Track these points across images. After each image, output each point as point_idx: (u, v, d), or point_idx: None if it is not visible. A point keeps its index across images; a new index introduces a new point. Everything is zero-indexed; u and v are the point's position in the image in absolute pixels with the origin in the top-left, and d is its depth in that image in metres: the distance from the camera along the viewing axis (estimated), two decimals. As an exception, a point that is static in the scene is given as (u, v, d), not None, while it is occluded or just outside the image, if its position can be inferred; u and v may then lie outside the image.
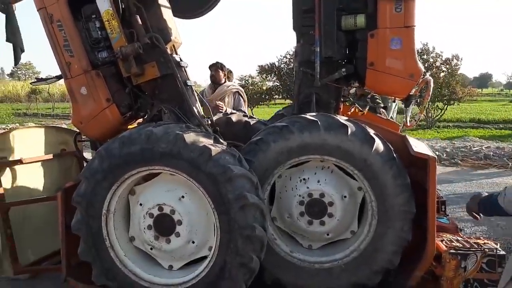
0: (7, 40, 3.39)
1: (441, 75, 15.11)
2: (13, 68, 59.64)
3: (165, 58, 3.03)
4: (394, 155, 2.59)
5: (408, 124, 3.37)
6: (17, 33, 3.41)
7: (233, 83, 5.34)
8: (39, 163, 3.61)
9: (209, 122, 3.31)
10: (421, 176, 2.62)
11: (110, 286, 2.66)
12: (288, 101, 19.27)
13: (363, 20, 2.96)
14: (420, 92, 3.31)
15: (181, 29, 3.45)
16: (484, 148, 9.42)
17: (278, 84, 19.20)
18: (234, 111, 4.71)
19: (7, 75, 58.94)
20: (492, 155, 8.66)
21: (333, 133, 2.56)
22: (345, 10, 3.02)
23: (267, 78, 20.21)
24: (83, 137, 3.51)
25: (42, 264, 3.45)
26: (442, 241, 2.77)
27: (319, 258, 2.74)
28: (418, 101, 3.48)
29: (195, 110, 3.16)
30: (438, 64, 15.43)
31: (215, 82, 5.05)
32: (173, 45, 3.29)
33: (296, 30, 3.25)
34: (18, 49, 3.44)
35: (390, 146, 2.62)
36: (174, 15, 3.46)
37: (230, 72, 5.69)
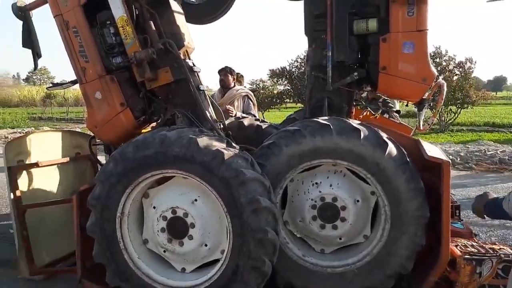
0: (24, 45, 3.46)
1: (454, 79, 14.95)
2: (29, 73, 60.74)
3: (178, 63, 3.07)
4: (408, 159, 2.58)
5: (421, 128, 3.35)
6: (34, 39, 3.49)
7: (242, 87, 5.35)
8: (55, 166, 3.68)
9: (222, 126, 3.34)
10: (435, 181, 2.60)
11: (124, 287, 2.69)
12: (299, 105, 19.25)
13: (375, 25, 2.96)
14: (433, 96, 3.30)
15: (194, 35, 3.49)
16: (499, 152, 9.27)
17: (289, 88, 19.21)
18: (245, 115, 4.75)
19: (23, 80, 60.07)
20: (508, 159, 8.53)
21: (346, 137, 2.56)
22: (357, 14, 3.02)
23: (278, 82, 20.23)
24: (97, 140, 3.57)
25: (57, 265, 3.51)
26: (456, 246, 2.74)
27: (332, 263, 2.73)
28: (431, 104, 3.46)
29: (208, 115, 3.19)
30: (451, 67, 15.27)
31: (225, 87, 5.08)
32: (186, 50, 3.33)
33: (307, 35, 3.26)
34: (35, 55, 3.52)
35: (403, 150, 2.61)
36: (187, 21, 3.50)
37: (241, 76, 5.72)
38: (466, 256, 2.59)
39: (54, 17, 3.12)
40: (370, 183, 2.64)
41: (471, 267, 2.56)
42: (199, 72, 3.37)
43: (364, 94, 4.92)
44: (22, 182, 3.40)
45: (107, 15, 3.06)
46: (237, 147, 2.72)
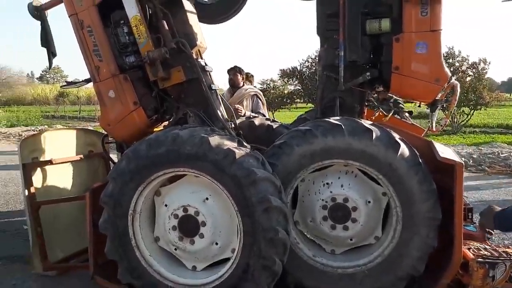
0: (42, 45, 3.52)
1: (467, 80, 14.77)
2: (42, 72, 61.58)
3: (191, 63, 3.09)
4: (420, 160, 2.56)
5: (434, 129, 3.32)
6: (50, 39, 3.54)
7: (251, 86, 5.37)
8: (68, 163, 3.73)
9: (233, 125, 3.35)
10: (447, 182, 2.57)
11: (135, 284, 2.71)
12: (309, 105, 19.21)
13: (388, 24, 2.94)
14: (446, 97, 3.26)
15: (206, 34, 3.51)
16: (513, 155, 9.13)
17: (300, 88, 19.18)
18: (254, 114, 4.76)
19: (37, 78, 60.90)
20: (521, 161, 8.39)
21: (358, 138, 2.55)
22: (369, 14, 3.01)
23: (289, 82, 20.21)
24: (110, 139, 3.61)
25: (69, 261, 3.56)
26: (469, 249, 2.70)
27: (342, 263, 2.72)
28: (444, 105, 3.42)
29: (219, 114, 3.20)
30: (464, 68, 15.08)
31: (234, 86, 5.10)
32: (199, 50, 3.35)
33: (320, 34, 3.26)
34: (50, 54, 3.57)
35: (415, 151, 2.59)
36: (199, 21, 3.52)
37: (251, 76, 5.73)
38: (479, 259, 2.56)
39: (69, 17, 3.16)
40: (382, 184, 2.62)
41: (484, 270, 2.53)
42: (211, 71, 3.39)
43: (375, 95, 4.90)
44: (36, 179, 3.45)
45: (121, 15, 3.09)
46: (248, 146, 2.72)
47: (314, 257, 2.75)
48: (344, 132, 2.55)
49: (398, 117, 4.53)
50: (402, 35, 2.89)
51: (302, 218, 2.84)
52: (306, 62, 18.31)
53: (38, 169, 3.48)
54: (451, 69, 14.16)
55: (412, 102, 4.53)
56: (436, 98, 3.04)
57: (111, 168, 3.06)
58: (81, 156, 3.82)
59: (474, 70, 15.05)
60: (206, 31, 3.74)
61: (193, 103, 3.16)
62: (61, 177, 3.67)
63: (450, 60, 14.74)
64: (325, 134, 2.58)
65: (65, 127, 12.45)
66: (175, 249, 2.73)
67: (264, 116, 5.00)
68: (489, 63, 15.06)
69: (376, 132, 2.55)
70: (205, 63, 3.31)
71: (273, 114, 18.06)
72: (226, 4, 3.92)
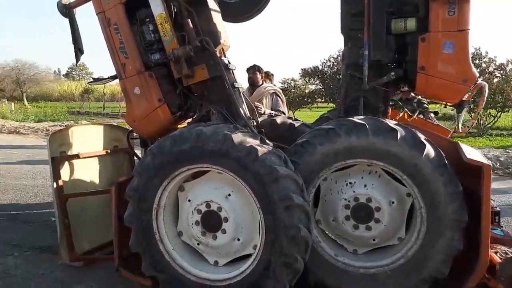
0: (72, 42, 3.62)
1: (494, 81, 14.35)
2: (68, 69, 63.08)
3: (215, 61, 3.12)
4: (446, 161, 2.51)
5: (460, 130, 3.26)
6: (78, 36, 3.63)
7: (270, 84, 5.39)
8: (94, 158, 3.83)
9: (255, 123, 3.37)
10: (474, 185, 2.52)
11: (158, 278, 2.76)
12: (330, 104, 19.06)
13: (414, 24, 2.91)
14: (473, 97, 3.20)
15: (229, 33, 3.54)
16: (542, 158, 8.83)
17: (321, 87, 19.03)
18: (274, 112, 4.78)
19: (63, 75, 62.40)
20: (551, 166, 8.12)
21: (382, 137, 2.52)
22: (395, 13, 2.97)
23: (310, 81, 20.08)
24: (135, 134, 3.68)
25: (94, 253, 3.65)
26: (496, 253, 2.66)
27: (364, 263, 2.70)
28: (472, 107, 3.36)
29: (242, 112, 3.23)
30: (491, 69, 14.66)
31: (253, 84, 5.12)
32: (222, 48, 3.37)
33: (343, 33, 3.24)
34: (77, 51, 3.66)
35: (441, 152, 2.55)
36: (223, 19, 3.55)
37: (271, 74, 5.75)
38: (506, 263, 2.50)
39: (96, 14, 3.23)
40: (406, 185, 2.59)
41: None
42: (234, 69, 3.41)
43: (399, 95, 4.83)
44: (64, 172, 3.56)
45: (147, 13, 3.15)
46: (271, 144, 2.74)
47: (336, 256, 2.74)
48: (368, 132, 2.53)
49: (423, 117, 4.46)
50: (428, 34, 2.85)
51: (324, 217, 2.84)
52: (328, 62, 18.17)
53: (66, 163, 3.60)
54: (478, 70, 13.78)
55: (437, 103, 4.46)
56: (463, 99, 2.99)
57: (136, 163, 3.12)
58: (107, 151, 3.91)
59: (501, 71, 14.60)
60: (229, 29, 3.77)
61: (216, 101, 3.20)
62: (87, 171, 3.78)
63: (477, 61, 14.34)
64: (349, 133, 2.57)
65: (92, 122, 12.72)
66: (198, 244, 2.77)
67: (284, 113, 5.01)
68: (518, 64, 14.58)
69: (401, 132, 2.52)
70: (228, 61, 3.34)
71: (293, 113, 17.99)
72: (249, 3, 3.94)
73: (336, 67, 17.65)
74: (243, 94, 3.49)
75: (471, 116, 3.41)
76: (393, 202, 2.65)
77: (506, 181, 7.33)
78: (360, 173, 2.72)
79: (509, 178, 7.57)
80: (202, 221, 2.67)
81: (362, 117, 2.72)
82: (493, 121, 15.13)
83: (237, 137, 2.55)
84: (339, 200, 2.72)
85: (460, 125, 3.29)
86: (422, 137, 2.55)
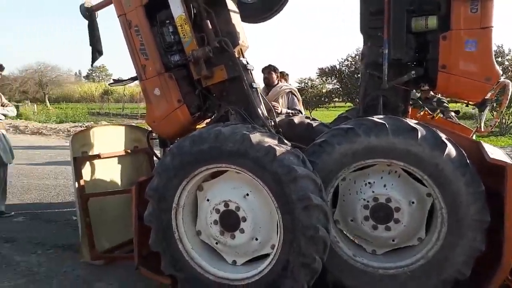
0: (90, 44, 3.69)
1: (518, 79, 14.00)
2: (89, 70, 64.26)
3: (233, 62, 3.14)
4: (468, 161, 2.47)
5: (483, 129, 3.20)
6: (97, 38, 3.70)
7: (285, 84, 5.39)
8: (115, 158, 3.89)
9: (272, 123, 3.37)
10: (497, 185, 2.47)
11: (177, 276, 2.79)
12: (348, 104, 18.91)
13: (435, 22, 2.87)
14: (495, 96, 3.13)
15: (248, 33, 3.55)
16: None
17: (339, 86, 18.92)
18: (291, 111, 4.77)
19: (84, 77, 63.60)
20: None
21: (402, 137, 2.49)
22: (415, 11, 2.94)
23: (327, 81, 19.97)
24: (154, 135, 3.73)
25: (114, 252, 3.72)
26: (519, 254, 2.58)
27: (384, 264, 2.68)
28: (494, 105, 3.29)
29: (260, 112, 3.23)
30: (514, 67, 14.33)
31: (269, 85, 5.12)
32: (241, 49, 3.39)
33: (363, 32, 3.22)
34: (95, 53, 3.73)
35: (463, 151, 2.50)
36: (242, 20, 3.56)
37: (287, 74, 5.75)
38: (530, 265, 2.44)
39: (118, 17, 3.29)
40: (427, 185, 2.56)
41: (535, 277, 2.41)
42: (252, 70, 3.42)
43: (417, 94, 4.76)
44: (86, 172, 3.63)
45: (167, 14, 3.19)
46: (289, 144, 2.74)
47: (355, 256, 2.73)
48: (388, 131, 2.51)
49: (443, 116, 4.39)
50: (450, 32, 2.80)
51: (342, 217, 2.82)
52: (346, 61, 18.05)
53: (87, 163, 3.67)
54: (501, 68, 13.46)
55: (458, 102, 4.38)
56: (486, 97, 2.93)
57: (156, 163, 3.16)
58: (127, 151, 3.97)
59: (526, 69, 14.25)
60: (248, 30, 3.79)
61: (234, 101, 3.21)
62: (108, 171, 3.84)
63: (500, 59, 14.03)
64: (368, 133, 2.55)
65: (112, 123, 12.94)
66: (216, 243, 2.79)
67: (301, 112, 5.01)
68: (542, 61, 14.20)
69: (421, 132, 2.49)
70: (247, 62, 3.35)
71: (310, 113, 17.92)
72: (267, 4, 3.95)
73: (354, 66, 17.52)
74: (261, 94, 3.49)
75: (493, 115, 3.32)
76: (413, 202, 2.62)
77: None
78: (379, 173, 2.70)
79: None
80: (220, 221, 2.69)
81: (381, 116, 2.69)
82: (516, 120, 14.74)
83: (255, 137, 2.56)
84: (358, 200, 2.70)
85: (482, 124, 3.22)
86: (443, 137, 2.51)
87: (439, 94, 4.88)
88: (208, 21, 3.20)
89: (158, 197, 2.75)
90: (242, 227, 2.65)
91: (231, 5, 3.37)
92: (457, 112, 4.80)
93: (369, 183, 2.69)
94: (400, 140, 2.50)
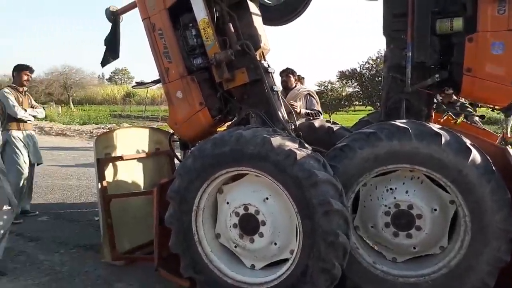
0: (105, 44, 3.77)
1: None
2: (111, 73, 65.57)
3: (255, 65, 3.15)
4: (493, 168, 2.41)
5: (509, 135, 3.11)
6: (118, 41, 3.77)
7: (303, 86, 5.42)
8: (137, 160, 3.95)
9: (293, 127, 3.36)
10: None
11: (196, 279, 2.80)
12: (368, 107, 18.70)
13: (461, 24, 2.81)
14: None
15: (269, 36, 3.56)
16: None
17: (359, 90, 18.75)
18: (310, 111, 4.76)
19: (106, 79, 64.88)
20: None
21: (425, 142, 2.45)
22: (440, 13, 2.89)
23: (347, 84, 19.83)
24: (175, 137, 3.77)
25: (135, 253, 3.76)
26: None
27: (404, 272, 2.62)
28: (521, 110, 3.19)
29: (280, 115, 3.23)
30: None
31: (286, 88, 5.14)
32: (262, 52, 3.40)
33: (386, 35, 3.18)
34: (109, 54, 3.81)
35: (488, 158, 2.44)
36: (263, 23, 3.57)
37: (302, 78, 5.76)
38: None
39: (142, 20, 3.34)
40: (450, 192, 2.50)
41: None
42: (273, 73, 3.43)
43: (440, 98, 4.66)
44: (108, 174, 3.69)
45: (190, 18, 3.22)
46: (310, 148, 2.72)
47: (374, 263, 2.68)
48: (411, 136, 2.47)
49: (467, 121, 4.29)
50: (476, 34, 2.74)
51: (362, 224, 2.79)
52: (366, 64, 17.88)
53: (110, 164, 3.73)
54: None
55: (483, 106, 4.27)
56: (513, 102, 2.85)
57: (177, 166, 3.19)
58: (149, 153, 4.03)
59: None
60: (270, 33, 3.79)
61: (255, 104, 3.22)
62: (130, 172, 3.90)
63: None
64: (391, 138, 2.51)
65: (134, 125, 13.15)
66: (235, 247, 2.79)
67: (320, 112, 5.00)
68: None
69: (445, 137, 2.44)
70: (268, 65, 3.36)
71: (330, 116, 17.80)
72: (289, 6, 3.95)
73: (374, 69, 17.33)
74: (281, 97, 3.49)
75: (520, 121, 3.24)
76: (435, 210, 2.56)
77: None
78: (401, 179, 2.65)
79: None
80: (239, 224, 2.69)
81: (404, 120, 2.66)
82: (545, 126, 14.29)
83: (276, 140, 2.55)
84: (379, 206, 2.66)
85: (509, 130, 3.14)
86: (468, 142, 2.46)
87: (462, 98, 4.78)
88: (231, 24, 3.22)
89: (179, 199, 2.77)
90: (261, 231, 2.64)
91: (253, 8, 3.39)
92: (482, 117, 4.68)
93: (391, 189, 2.65)
94: (423, 145, 2.45)
